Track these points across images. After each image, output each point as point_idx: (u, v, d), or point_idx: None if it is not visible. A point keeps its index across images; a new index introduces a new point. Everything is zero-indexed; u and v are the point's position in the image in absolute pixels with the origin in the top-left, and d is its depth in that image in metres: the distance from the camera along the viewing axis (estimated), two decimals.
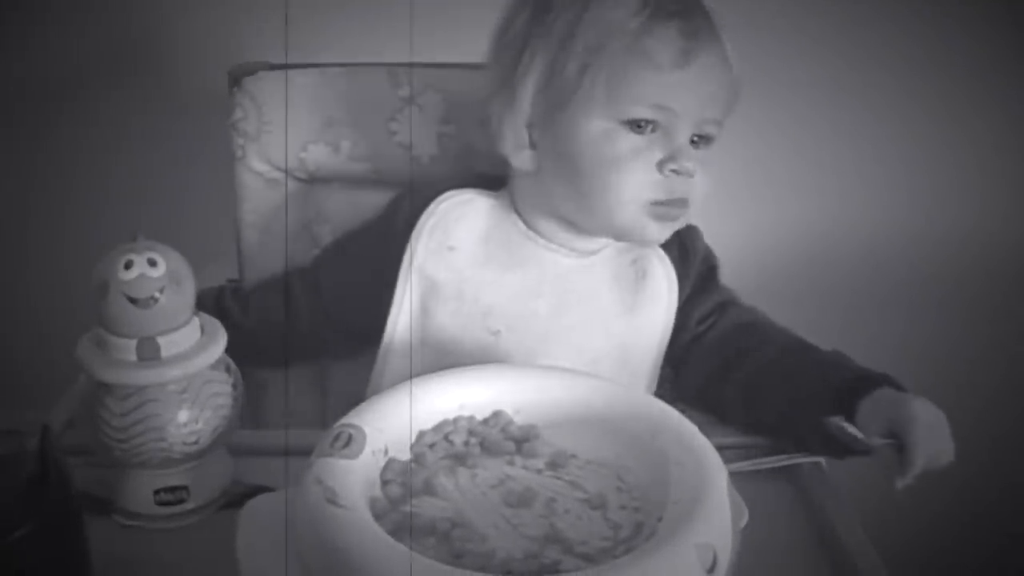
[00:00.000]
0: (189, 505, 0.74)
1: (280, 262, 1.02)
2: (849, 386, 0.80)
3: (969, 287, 1.42)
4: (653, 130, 0.84)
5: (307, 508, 0.60)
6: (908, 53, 1.31)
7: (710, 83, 0.85)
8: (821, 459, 0.79)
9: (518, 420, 0.72)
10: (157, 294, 0.69)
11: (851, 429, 0.76)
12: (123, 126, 1.32)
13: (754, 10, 1.27)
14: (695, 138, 0.85)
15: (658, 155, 0.84)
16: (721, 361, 0.90)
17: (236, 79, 1.03)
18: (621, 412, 0.69)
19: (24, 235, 1.38)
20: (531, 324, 0.90)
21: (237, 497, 0.73)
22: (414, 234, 0.91)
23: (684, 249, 0.94)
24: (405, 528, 0.61)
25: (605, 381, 0.73)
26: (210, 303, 0.95)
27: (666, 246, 0.92)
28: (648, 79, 0.83)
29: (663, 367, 0.93)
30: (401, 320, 0.91)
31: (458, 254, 0.91)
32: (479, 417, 0.71)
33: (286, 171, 1.02)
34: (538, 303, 0.90)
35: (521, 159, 0.89)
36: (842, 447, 0.77)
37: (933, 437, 0.75)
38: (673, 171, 0.83)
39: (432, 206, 0.92)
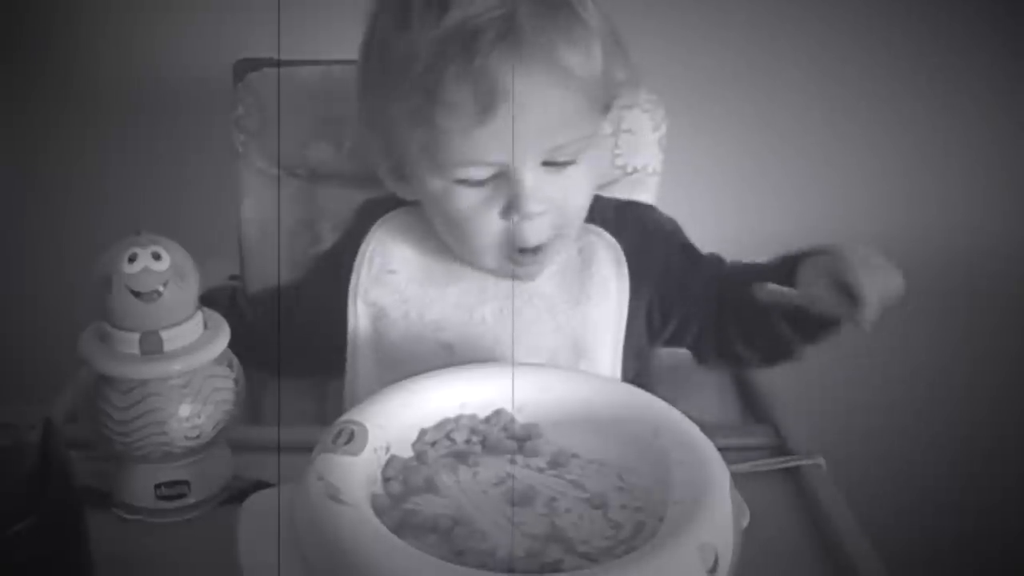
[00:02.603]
0: (190, 500, 0.74)
1: (281, 258, 1.02)
2: (786, 261, 0.80)
3: (970, 289, 1.42)
4: (495, 176, 0.80)
5: (309, 504, 0.60)
6: (909, 54, 1.32)
7: (537, 117, 0.77)
8: (822, 460, 0.79)
9: (520, 419, 0.72)
10: (161, 288, 0.69)
11: (776, 288, 0.76)
12: (127, 119, 1.32)
13: (754, 10, 1.28)
14: (555, 163, 0.81)
15: (500, 204, 0.81)
16: (717, 323, 0.89)
17: (240, 74, 1.03)
18: (623, 412, 0.69)
19: (27, 228, 1.38)
20: (480, 333, 0.89)
21: (238, 492, 0.73)
22: (356, 262, 0.90)
23: (635, 230, 0.92)
24: (406, 525, 0.61)
25: (608, 380, 0.74)
26: (224, 302, 0.94)
27: (618, 231, 0.90)
28: (457, 142, 0.78)
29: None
30: (358, 346, 0.90)
31: (399, 276, 0.90)
32: (481, 415, 0.71)
33: (279, 166, 1.02)
34: (483, 311, 0.89)
35: (397, 188, 0.88)
36: (809, 319, 0.78)
37: (874, 271, 0.73)
38: (520, 219, 0.81)
39: (371, 232, 0.91)
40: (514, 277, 0.88)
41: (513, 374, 0.71)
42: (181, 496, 0.73)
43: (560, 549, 0.59)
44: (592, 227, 0.91)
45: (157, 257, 0.69)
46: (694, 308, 0.90)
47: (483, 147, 0.78)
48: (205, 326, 0.73)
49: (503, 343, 0.88)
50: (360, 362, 0.90)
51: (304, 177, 1.04)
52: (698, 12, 1.29)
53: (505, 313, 0.89)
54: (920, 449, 1.46)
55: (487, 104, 0.76)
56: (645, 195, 1.02)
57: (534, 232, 0.82)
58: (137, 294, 0.69)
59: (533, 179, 0.80)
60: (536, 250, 0.84)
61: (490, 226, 0.82)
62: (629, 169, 1.01)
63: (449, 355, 0.88)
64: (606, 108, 0.86)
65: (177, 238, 0.72)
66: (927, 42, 1.31)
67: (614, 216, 0.93)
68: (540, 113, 0.78)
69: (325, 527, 0.57)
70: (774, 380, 0.93)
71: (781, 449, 0.82)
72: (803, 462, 0.79)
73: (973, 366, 1.45)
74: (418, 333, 0.89)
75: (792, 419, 0.86)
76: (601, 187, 1.00)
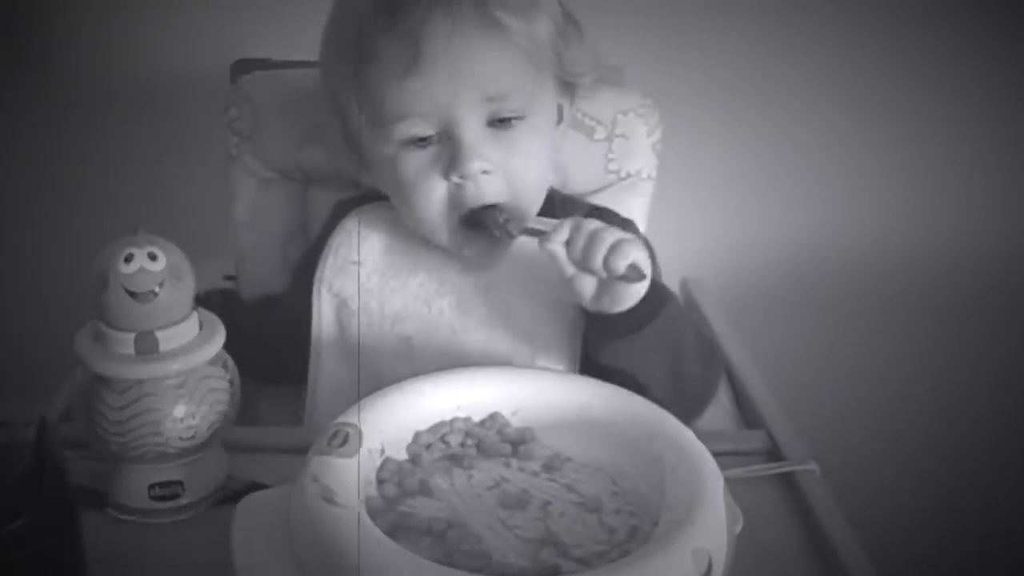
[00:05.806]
0: (184, 500, 0.73)
1: (274, 262, 1.02)
2: None
3: (969, 290, 1.42)
4: (439, 139, 0.81)
5: (303, 506, 0.60)
6: (908, 56, 1.32)
7: (469, 64, 0.79)
8: (815, 466, 0.79)
9: (515, 422, 0.72)
10: (157, 288, 0.69)
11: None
12: (125, 119, 1.32)
13: (750, 15, 1.28)
14: (499, 120, 0.81)
15: (442, 165, 0.82)
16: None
17: (238, 74, 1.03)
18: (618, 416, 0.69)
19: (25, 227, 1.38)
20: (439, 325, 0.88)
21: (232, 493, 0.73)
22: (323, 253, 0.91)
23: None
24: (401, 527, 0.61)
25: (602, 385, 0.73)
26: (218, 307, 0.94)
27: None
28: (390, 95, 0.79)
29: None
30: (322, 338, 0.90)
31: (362, 267, 0.90)
32: (476, 419, 0.72)
33: (280, 169, 1.02)
34: (442, 303, 0.89)
35: (360, 174, 0.89)
36: None
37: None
38: (461, 178, 0.81)
39: (340, 223, 0.92)
40: (466, 255, 0.87)
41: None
42: (175, 496, 0.73)
43: (554, 553, 0.59)
44: (554, 222, 0.89)
45: (153, 257, 0.69)
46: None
47: (416, 97, 0.79)
48: (200, 327, 0.73)
49: (460, 336, 0.88)
50: (324, 354, 0.90)
51: (298, 180, 1.03)
52: (694, 17, 1.29)
53: (464, 307, 0.88)
54: (920, 451, 1.46)
55: (413, 54, 0.78)
56: (639, 200, 1.02)
57: (481, 192, 0.82)
58: (133, 294, 0.68)
59: (474, 135, 0.81)
60: (486, 212, 0.83)
61: (434, 189, 0.82)
62: (623, 174, 1.01)
63: (407, 347, 0.88)
64: (564, 84, 0.86)
65: (174, 238, 0.72)
66: (926, 44, 1.31)
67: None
68: (471, 60, 0.79)
69: (319, 529, 0.58)
70: (768, 385, 0.93)
71: (775, 454, 0.82)
72: (797, 467, 0.79)
73: (973, 367, 1.45)
74: (378, 325, 0.89)
75: (786, 424, 0.86)
76: (594, 192, 1.00)
